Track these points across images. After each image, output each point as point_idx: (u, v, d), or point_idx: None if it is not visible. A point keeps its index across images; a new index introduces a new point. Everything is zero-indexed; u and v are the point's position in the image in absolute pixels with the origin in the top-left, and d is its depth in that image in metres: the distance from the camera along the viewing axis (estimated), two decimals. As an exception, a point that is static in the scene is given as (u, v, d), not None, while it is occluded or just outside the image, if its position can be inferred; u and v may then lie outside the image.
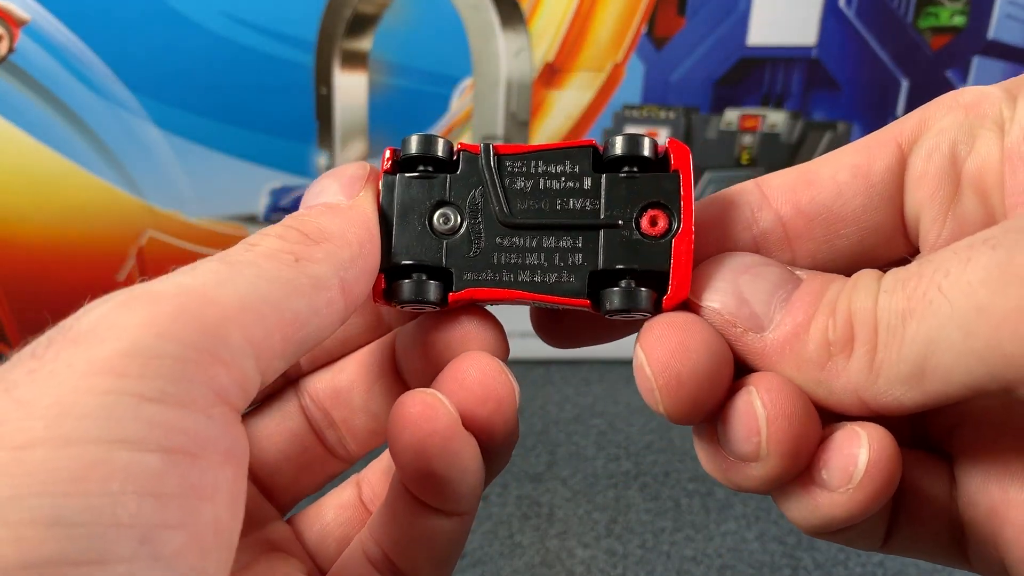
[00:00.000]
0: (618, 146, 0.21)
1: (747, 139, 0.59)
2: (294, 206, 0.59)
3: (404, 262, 0.22)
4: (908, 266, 0.19)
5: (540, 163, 0.22)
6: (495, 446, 0.22)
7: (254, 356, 0.17)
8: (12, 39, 0.52)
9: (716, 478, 0.21)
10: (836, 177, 0.22)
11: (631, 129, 0.59)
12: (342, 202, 0.22)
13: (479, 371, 0.21)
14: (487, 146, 0.22)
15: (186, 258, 0.64)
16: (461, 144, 0.22)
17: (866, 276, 0.20)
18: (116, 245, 0.58)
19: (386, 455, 0.27)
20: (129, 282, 0.63)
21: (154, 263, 0.59)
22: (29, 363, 0.16)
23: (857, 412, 0.19)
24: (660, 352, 0.20)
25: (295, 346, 0.19)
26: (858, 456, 0.19)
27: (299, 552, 0.25)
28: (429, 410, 0.20)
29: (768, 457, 0.19)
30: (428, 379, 0.22)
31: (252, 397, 0.18)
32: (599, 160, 0.22)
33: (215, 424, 0.16)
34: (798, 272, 0.21)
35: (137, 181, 0.57)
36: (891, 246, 0.22)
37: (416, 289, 0.22)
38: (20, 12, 0.51)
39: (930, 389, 0.18)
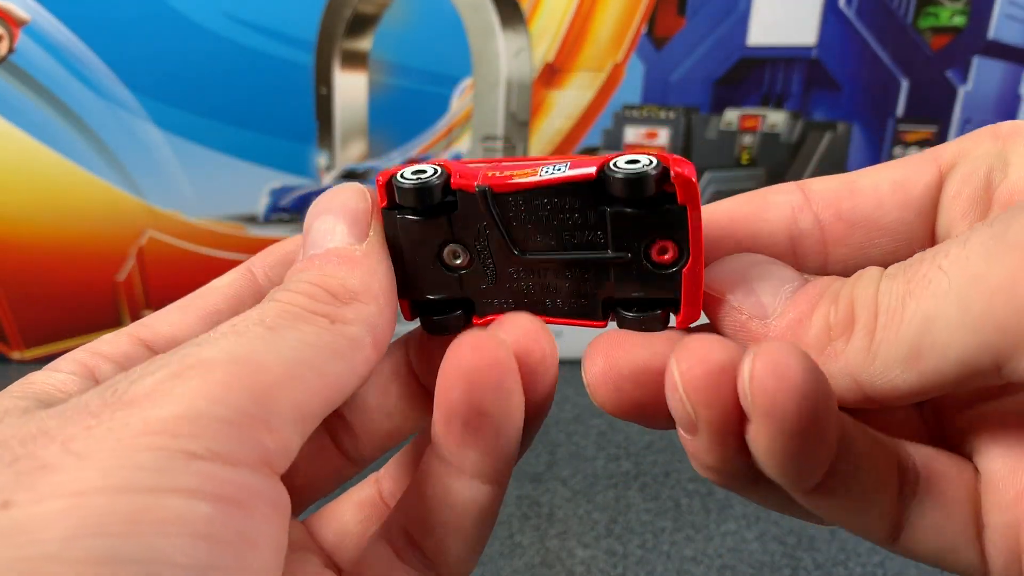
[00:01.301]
0: (619, 187, 0.20)
1: (747, 139, 0.59)
2: (294, 206, 0.59)
3: (428, 297, 0.23)
4: (913, 256, 0.19)
5: (543, 199, 0.21)
6: (535, 404, 0.22)
7: (297, 421, 0.18)
8: (12, 39, 0.52)
9: (697, 471, 0.21)
10: (878, 189, 0.23)
11: (631, 129, 0.59)
12: (355, 248, 0.22)
13: (528, 321, 0.22)
14: (483, 191, 0.21)
15: (187, 259, 0.64)
16: (454, 181, 0.22)
17: (870, 269, 0.20)
18: (116, 245, 0.58)
19: (405, 450, 0.27)
20: (129, 282, 0.63)
21: (154, 263, 0.59)
22: (87, 420, 0.16)
23: (853, 399, 0.20)
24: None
25: (333, 406, 0.20)
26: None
27: (317, 551, 0.25)
28: (491, 341, 0.21)
29: (696, 417, 0.19)
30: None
31: (292, 460, 0.18)
32: (602, 190, 0.21)
33: (261, 478, 0.17)
34: (806, 275, 0.22)
35: (137, 181, 0.57)
36: None
37: (448, 323, 0.23)
38: (20, 12, 0.51)
39: (926, 369, 0.18)
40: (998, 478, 0.20)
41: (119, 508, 0.15)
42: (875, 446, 0.21)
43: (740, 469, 0.21)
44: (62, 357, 0.22)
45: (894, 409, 0.23)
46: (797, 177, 0.61)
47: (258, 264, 0.25)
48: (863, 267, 0.23)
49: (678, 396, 0.19)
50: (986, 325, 0.17)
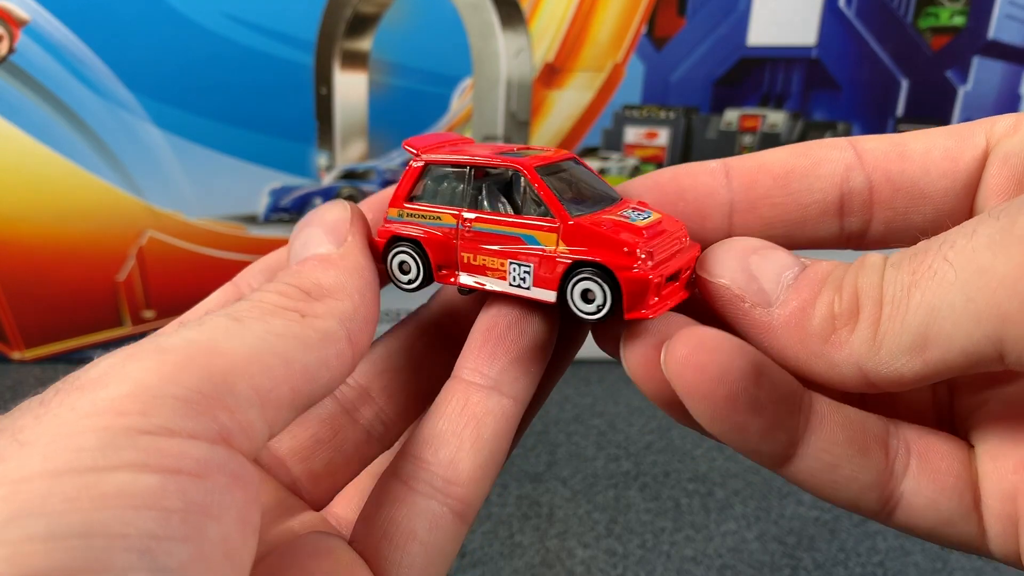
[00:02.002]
0: (572, 316, 0.22)
1: (747, 139, 0.59)
2: (294, 206, 0.59)
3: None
4: (917, 244, 0.19)
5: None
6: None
7: (260, 406, 0.18)
8: (12, 39, 0.52)
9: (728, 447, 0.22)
10: (928, 155, 0.23)
11: (631, 129, 0.59)
12: (332, 252, 0.22)
13: None
14: (460, 291, 0.24)
15: (187, 259, 0.64)
16: (436, 276, 0.24)
17: (873, 256, 0.20)
18: (116, 245, 0.58)
19: (420, 425, 0.26)
20: (129, 282, 0.63)
21: (154, 263, 0.59)
22: (37, 410, 0.16)
23: (857, 385, 0.20)
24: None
25: (306, 398, 0.19)
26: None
27: (337, 532, 0.25)
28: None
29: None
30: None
31: (259, 446, 0.18)
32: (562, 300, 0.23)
33: (219, 451, 0.17)
34: (803, 259, 0.22)
35: (137, 181, 0.57)
36: None
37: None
38: (20, 12, 0.51)
39: (931, 358, 0.18)
40: (997, 449, 0.21)
41: (59, 489, 0.15)
42: (852, 418, 0.21)
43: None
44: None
45: (909, 392, 0.23)
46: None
47: (243, 279, 0.26)
48: (904, 231, 0.23)
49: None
50: (991, 316, 0.17)
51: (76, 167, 0.56)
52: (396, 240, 0.25)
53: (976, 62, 0.57)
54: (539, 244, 0.22)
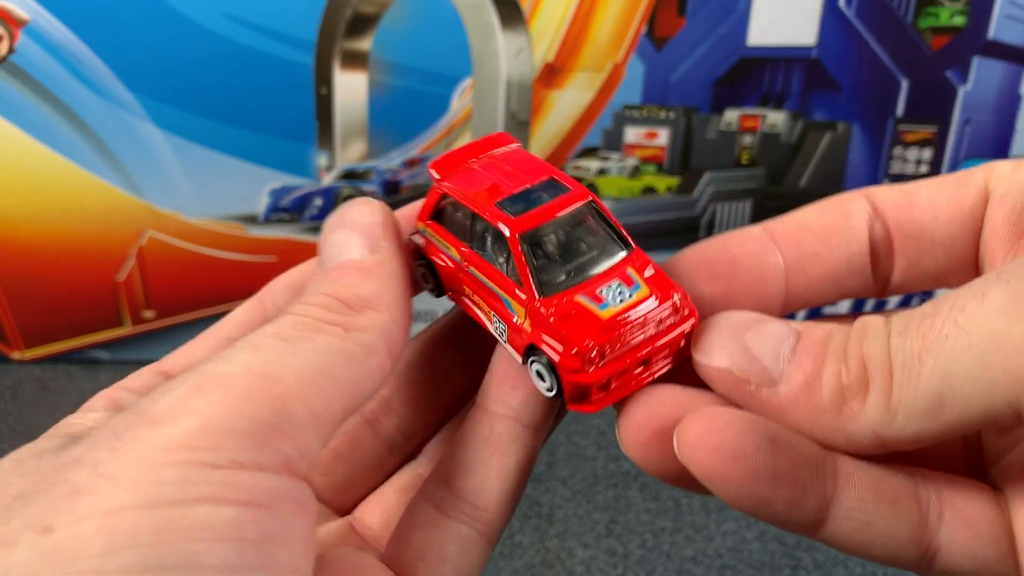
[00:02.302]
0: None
1: (747, 139, 0.59)
2: (294, 206, 0.59)
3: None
4: (921, 307, 0.19)
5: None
6: None
7: (315, 427, 0.19)
8: (12, 39, 0.52)
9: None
10: (934, 202, 0.24)
11: (631, 129, 0.59)
12: (367, 259, 0.23)
13: None
14: (456, 310, 0.25)
15: (187, 259, 0.64)
16: (445, 293, 0.25)
17: (872, 322, 0.20)
18: (116, 245, 0.58)
19: (441, 437, 0.27)
20: (129, 282, 0.63)
21: (154, 263, 0.59)
22: (112, 442, 0.17)
23: (875, 451, 0.20)
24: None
25: (350, 411, 0.20)
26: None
27: (360, 544, 0.26)
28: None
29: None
30: None
31: (314, 466, 0.19)
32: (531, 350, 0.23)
33: (284, 481, 0.18)
34: (793, 324, 0.22)
35: (137, 181, 0.57)
36: (968, 276, 0.23)
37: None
38: (20, 12, 0.51)
39: (948, 420, 0.18)
40: (1021, 504, 0.21)
41: (148, 521, 0.16)
42: (878, 479, 0.21)
43: None
44: (91, 399, 0.23)
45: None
46: (797, 177, 0.61)
47: (267, 294, 0.26)
48: (918, 278, 0.24)
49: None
50: (1009, 381, 0.17)
51: (76, 167, 0.56)
52: (418, 253, 0.25)
53: (976, 62, 0.57)
54: (511, 310, 0.23)
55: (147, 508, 0.16)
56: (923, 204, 0.24)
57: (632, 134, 0.59)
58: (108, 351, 0.62)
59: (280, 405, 0.18)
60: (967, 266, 0.24)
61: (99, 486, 0.17)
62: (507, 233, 0.22)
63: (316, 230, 0.60)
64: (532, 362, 0.23)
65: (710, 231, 0.62)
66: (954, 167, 0.60)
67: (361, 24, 0.54)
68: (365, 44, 0.55)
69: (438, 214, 0.25)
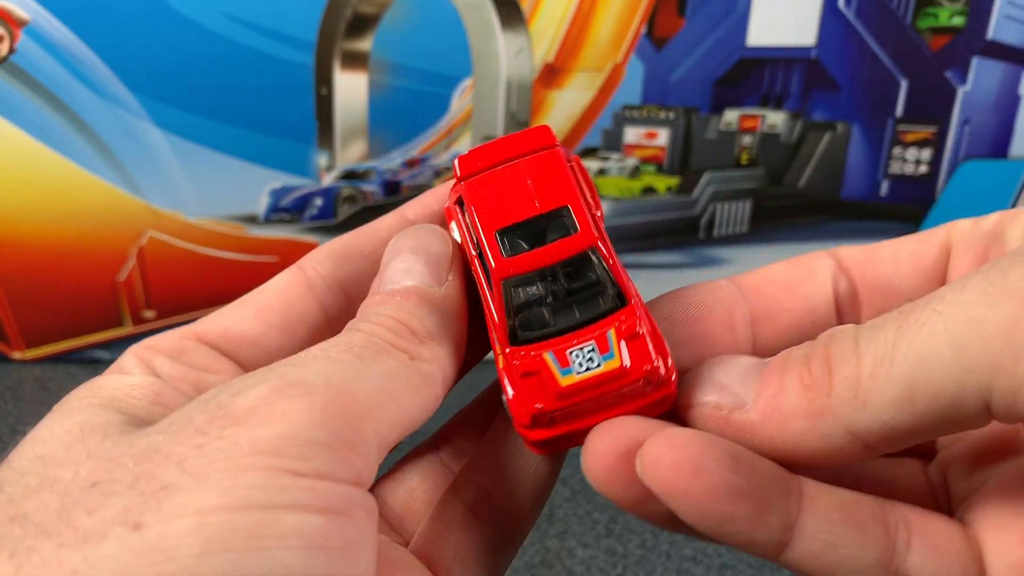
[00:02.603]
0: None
1: (747, 139, 0.59)
2: (294, 206, 0.59)
3: None
4: (902, 307, 0.20)
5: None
6: None
7: (378, 449, 0.19)
8: (13, 39, 0.52)
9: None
10: (897, 257, 0.25)
11: (631, 129, 0.59)
12: (435, 291, 0.23)
13: None
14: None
15: (187, 259, 0.64)
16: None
17: (840, 327, 0.21)
18: (116, 245, 0.58)
19: (462, 417, 0.28)
20: (129, 282, 0.63)
21: (154, 263, 0.59)
22: (195, 438, 0.17)
23: (853, 452, 0.20)
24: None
25: (403, 437, 0.21)
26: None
27: (385, 528, 0.26)
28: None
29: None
30: None
31: (372, 479, 0.19)
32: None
33: (357, 492, 0.18)
34: (763, 359, 0.22)
35: (137, 181, 0.57)
36: None
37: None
38: (20, 12, 0.51)
39: (919, 408, 0.18)
40: (1000, 523, 0.21)
41: (240, 525, 0.16)
42: (845, 502, 0.21)
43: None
44: (121, 357, 0.23)
45: (900, 476, 0.24)
46: (797, 177, 0.61)
47: (307, 263, 0.26)
48: None
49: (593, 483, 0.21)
50: (983, 367, 0.17)
51: (76, 167, 0.56)
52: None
53: (975, 62, 0.57)
54: (495, 338, 0.23)
55: (239, 511, 0.16)
56: (887, 259, 0.25)
57: (632, 134, 0.59)
58: (108, 351, 0.62)
59: (355, 423, 0.19)
60: None
61: (187, 484, 0.16)
62: (493, 275, 0.22)
63: (316, 230, 0.60)
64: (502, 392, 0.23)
65: (710, 231, 0.62)
66: (953, 167, 0.60)
67: (361, 24, 0.54)
68: (365, 44, 0.55)
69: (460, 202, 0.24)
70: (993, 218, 0.24)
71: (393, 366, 0.21)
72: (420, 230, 0.24)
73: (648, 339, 0.22)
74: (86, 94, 0.54)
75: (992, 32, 0.57)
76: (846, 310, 0.25)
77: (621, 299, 0.22)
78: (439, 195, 0.26)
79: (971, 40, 0.57)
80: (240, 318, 0.24)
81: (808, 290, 0.25)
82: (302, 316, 0.25)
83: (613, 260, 0.23)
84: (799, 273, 0.25)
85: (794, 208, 0.62)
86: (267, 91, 0.55)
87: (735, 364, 0.22)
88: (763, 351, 0.24)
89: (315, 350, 0.20)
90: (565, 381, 0.21)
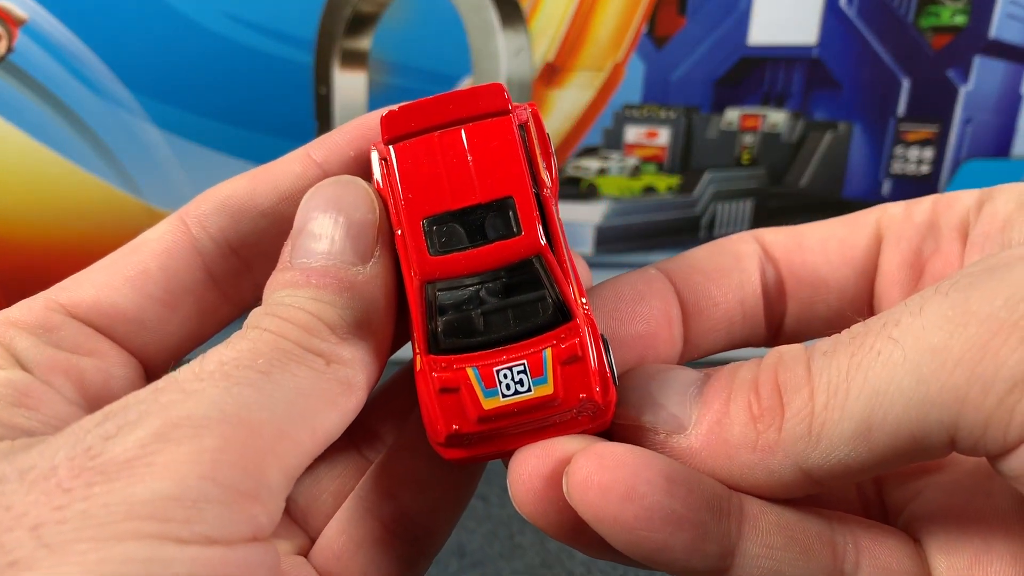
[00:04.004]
0: None
1: (748, 139, 0.59)
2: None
3: None
4: (850, 328, 0.18)
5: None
6: None
7: (286, 487, 0.17)
8: (11, 38, 0.52)
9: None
10: (825, 245, 0.23)
11: (631, 129, 0.59)
12: (357, 271, 0.19)
13: None
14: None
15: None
16: None
17: (788, 349, 0.19)
18: (115, 245, 0.58)
19: (379, 392, 0.24)
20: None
21: (153, 263, 0.59)
22: (57, 497, 0.14)
23: (801, 487, 0.18)
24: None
25: (316, 456, 0.18)
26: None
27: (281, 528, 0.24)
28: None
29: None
30: None
31: (274, 528, 0.17)
32: None
33: (254, 550, 0.16)
34: (701, 371, 0.20)
35: (137, 181, 0.57)
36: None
37: None
38: (19, 11, 0.51)
39: (876, 444, 0.17)
40: (948, 545, 0.19)
41: None
42: (788, 523, 0.19)
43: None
44: None
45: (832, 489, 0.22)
46: (798, 177, 0.61)
47: (192, 214, 0.22)
48: (810, 323, 0.23)
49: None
50: (947, 400, 0.16)
51: (75, 167, 0.56)
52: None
53: (977, 61, 0.57)
54: (413, 334, 0.20)
55: None
56: (814, 246, 0.23)
57: (632, 133, 0.59)
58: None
59: (256, 467, 0.16)
60: (861, 309, 0.22)
61: (43, 559, 0.13)
62: (414, 274, 0.19)
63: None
64: None
65: (710, 231, 0.62)
66: (955, 166, 0.60)
67: (361, 23, 0.54)
68: (365, 43, 0.55)
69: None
70: (925, 205, 0.22)
71: (306, 379, 0.17)
72: (341, 186, 0.20)
73: (590, 363, 0.19)
74: (85, 93, 0.54)
75: (994, 31, 0.56)
76: (772, 301, 0.23)
77: (564, 314, 0.19)
78: (353, 134, 0.22)
79: (973, 39, 0.57)
80: (113, 287, 0.21)
81: (736, 279, 0.23)
82: (187, 286, 0.21)
83: (563, 261, 0.19)
84: (726, 261, 0.23)
85: (795, 208, 0.62)
86: (266, 90, 0.55)
87: (673, 380, 0.20)
88: (691, 349, 0.23)
89: (211, 362, 0.17)
90: (488, 404, 0.19)
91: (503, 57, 0.56)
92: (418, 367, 0.19)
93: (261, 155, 0.57)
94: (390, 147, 0.19)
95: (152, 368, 0.22)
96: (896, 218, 0.22)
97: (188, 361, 0.21)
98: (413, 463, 0.22)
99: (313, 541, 0.23)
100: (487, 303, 0.19)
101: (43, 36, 0.52)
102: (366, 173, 0.21)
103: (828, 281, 0.23)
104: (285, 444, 0.17)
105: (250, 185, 0.22)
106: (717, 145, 0.59)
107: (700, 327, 0.23)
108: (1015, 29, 0.57)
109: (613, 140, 0.59)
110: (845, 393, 0.17)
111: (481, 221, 0.19)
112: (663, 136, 0.59)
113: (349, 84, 0.56)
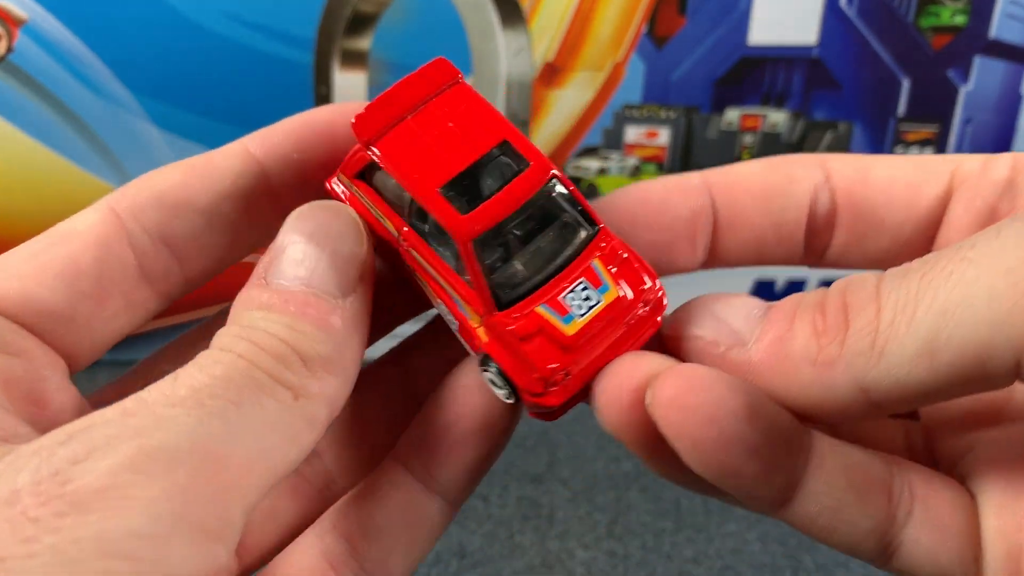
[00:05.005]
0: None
1: (748, 139, 0.59)
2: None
3: None
4: (926, 256, 0.18)
5: None
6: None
7: (243, 522, 0.16)
8: (11, 38, 0.52)
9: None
10: (891, 185, 0.22)
11: (631, 128, 0.59)
12: (338, 305, 0.19)
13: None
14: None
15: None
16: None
17: (859, 276, 0.19)
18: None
19: (355, 504, 0.23)
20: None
21: (153, 263, 0.59)
22: (23, 528, 0.14)
23: (859, 408, 0.18)
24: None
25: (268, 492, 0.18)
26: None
27: None
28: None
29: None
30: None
31: (230, 567, 0.17)
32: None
33: None
34: (763, 301, 0.21)
35: (136, 181, 0.57)
36: None
37: None
38: (18, 11, 0.51)
39: (940, 364, 0.17)
40: (997, 507, 0.19)
41: None
42: (857, 460, 0.20)
43: (696, 483, 0.20)
44: None
45: (879, 434, 0.22)
46: (798, 177, 0.60)
47: (125, 205, 0.21)
48: (858, 257, 0.22)
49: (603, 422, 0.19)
50: (1017, 320, 0.16)
51: (74, 167, 0.56)
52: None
53: (978, 61, 0.57)
54: (464, 312, 0.20)
55: None
56: (880, 183, 0.22)
57: (632, 133, 0.59)
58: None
59: (222, 501, 0.16)
60: (914, 255, 0.22)
61: None
62: (457, 240, 0.19)
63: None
64: (484, 370, 0.20)
65: (711, 231, 0.62)
66: (956, 167, 0.60)
67: (360, 23, 0.54)
68: (365, 43, 0.55)
69: (365, 172, 0.21)
70: (1004, 162, 0.22)
71: (273, 413, 0.17)
72: (331, 215, 0.20)
73: (633, 260, 0.20)
74: (84, 93, 0.54)
75: (994, 31, 0.56)
76: (819, 229, 0.22)
77: (591, 223, 0.20)
78: (297, 133, 0.22)
79: (973, 39, 0.57)
80: (41, 281, 0.20)
81: (781, 203, 0.22)
82: (118, 281, 0.20)
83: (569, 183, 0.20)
84: (777, 180, 0.22)
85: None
86: (266, 90, 0.55)
87: (738, 304, 0.20)
88: (716, 259, 0.22)
89: (183, 387, 0.16)
90: (570, 329, 0.19)
91: (503, 57, 0.56)
92: (484, 339, 0.20)
93: (261, 155, 0.57)
94: (372, 148, 0.20)
95: (75, 366, 0.21)
96: (972, 173, 0.22)
97: (107, 358, 0.21)
98: (371, 510, 0.22)
99: (240, 558, 0.23)
100: (528, 240, 0.20)
101: (43, 36, 0.52)
102: (305, 178, 0.21)
103: (885, 221, 0.22)
104: (248, 478, 0.16)
105: (185, 175, 0.21)
106: (717, 145, 0.59)
107: (730, 241, 0.22)
108: (1015, 29, 0.57)
109: (613, 140, 0.59)
110: (913, 311, 0.17)
111: (492, 172, 0.20)
112: (663, 136, 0.59)
113: (349, 84, 0.55)
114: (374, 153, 0.20)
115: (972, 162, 0.22)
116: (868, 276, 0.19)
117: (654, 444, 0.19)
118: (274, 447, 0.17)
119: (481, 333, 0.20)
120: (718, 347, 0.19)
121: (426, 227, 0.20)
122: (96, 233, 0.20)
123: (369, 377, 0.24)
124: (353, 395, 0.20)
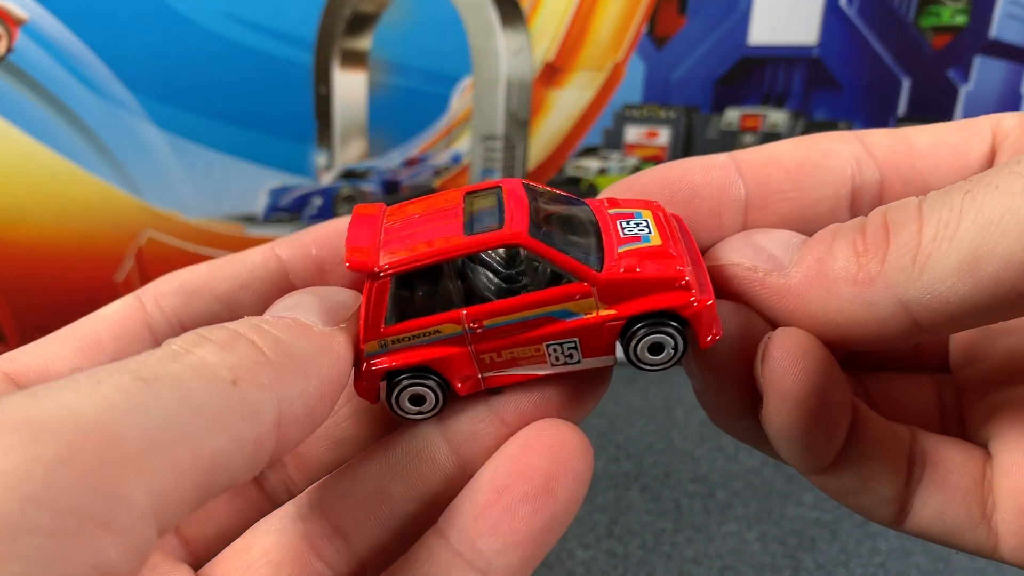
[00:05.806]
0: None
1: (748, 139, 0.59)
2: (293, 206, 0.59)
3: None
4: (968, 177, 0.18)
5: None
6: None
7: (155, 512, 0.13)
8: (11, 38, 0.52)
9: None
10: (936, 151, 0.22)
11: (631, 128, 0.59)
12: (317, 325, 0.19)
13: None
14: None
15: (186, 259, 0.64)
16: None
17: (900, 200, 0.19)
18: (115, 245, 0.58)
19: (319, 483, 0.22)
20: (128, 283, 0.62)
21: (153, 263, 0.59)
22: None
23: (899, 328, 0.18)
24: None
25: (206, 492, 0.15)
26: None
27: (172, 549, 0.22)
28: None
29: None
30: None
31: (147, 559, 0.14)
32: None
33: None
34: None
35: (136, 181, 0.57)
36: None
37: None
38: (19, 11, 0.51)
39: (983, 277, 0.16)
40: (1013, 464, 0.20)
41: None
42: (888, 433, 0.20)
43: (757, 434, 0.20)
44: None
45: (913, 390, 0.23)
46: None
47: (149, 293, 0.22)
48: None
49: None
50: None
51: (75, 167, 0.55)
52: (396, 374, 0.20)
53: (978, 61, 0.57)
54: (576, 315, 0.19)
55: None
56: (924, 151, 0.22)
57: (633, 133, 0.59)
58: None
59: (110, 483, 0.13)
60: None
61: None
62: (519, 241, 0.19)
63: (316, 230, 0.60)
64: (636, 343, 0.20)
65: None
66: (955, 167, 0.60)
67: (360, 23, 0.54)
68: (364, 43, 0.55)
69: (394, 311, 0.20)
70: None
71: (197, 392, 0.15)
72: (334, 289, 0.20)
73: (626, 204, 0.22)
74: (84, 93, 0.54)
75: (994, 31, 0.56)
76: (864, 205, 0.22)
77: (578, 199, 0.22)
78: (318, 233, 0.22)
79: (973, 39, 0.57)
80: (63, 357, 0.20)
81: (818, 177, 0.22)
82: None
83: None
84: (811, 156, 0.22)
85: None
86: (266, 90, 0.55)
87: (775, 232, 0.20)
88: None
89: (89, 371, 0.14)
90: (655, 243, 0.20)
91: (503, 57, 0.56)
92: (614, 311, 0.19)
93: (260, 155, 0.57)
94: (381, 276, 0.20)
95: None
96: (1014, 129, 0.22)
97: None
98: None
99: (193, 553, 0.21)
100: (561, 224, 0.20)
101: (43, 36, 0.52)
102: (324, 270, 0.22)
103: (935, 187, 0.21)
104: (157, 459, 0.13)
105: (210, 269, 0.22)
106: (717, 145, 0.59)
107: (765, 219, 0.22)
108: (1015, 29, 0.57)
109: (613, 140, 0.59)
110: (956, 225, 0.16)
111: (483, 203, 0.20)
112: (663, 136, 0.59)
113: (349, 84, 0.56)
114: (386, 266, 0.19)
115: (1011, 119, 0.22)
116: (910, 198, 0.18)
117: (742, 393, 0.20)
118: (191, 425, 0.14)
119: (604, 311, 0.20)
120: (757, 271, 0.20)
121: (483, 284, 0.20)
122: (118, 315, 0.21)
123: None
124: (385, 475, 0.20)
